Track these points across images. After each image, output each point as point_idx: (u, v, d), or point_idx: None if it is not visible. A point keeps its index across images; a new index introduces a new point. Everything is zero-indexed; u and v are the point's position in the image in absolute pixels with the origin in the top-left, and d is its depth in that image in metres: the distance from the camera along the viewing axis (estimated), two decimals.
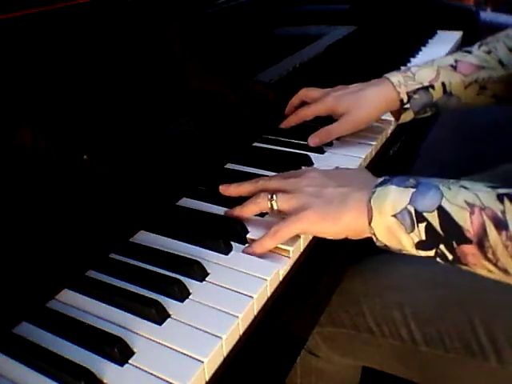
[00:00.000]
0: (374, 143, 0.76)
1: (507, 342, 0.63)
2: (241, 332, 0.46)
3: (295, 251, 0.55)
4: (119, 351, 0.42)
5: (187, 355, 0.42)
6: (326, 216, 0.52)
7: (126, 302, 0.47)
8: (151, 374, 0.41)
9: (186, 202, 0.64)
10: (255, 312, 0.48)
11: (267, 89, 0.83)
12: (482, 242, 0.45)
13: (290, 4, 0.89)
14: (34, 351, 0.43)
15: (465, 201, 0.47)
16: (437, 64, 0.78)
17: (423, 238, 0.48)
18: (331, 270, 0.64)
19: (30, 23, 0.47)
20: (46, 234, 0.49)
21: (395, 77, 0.77)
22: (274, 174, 0.68)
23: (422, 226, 0.48)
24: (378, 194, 0.51)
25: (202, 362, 0.41)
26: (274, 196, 0.55)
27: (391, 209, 0.49)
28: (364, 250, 0.77)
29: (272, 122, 0.83)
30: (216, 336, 0.44)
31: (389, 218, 0.49)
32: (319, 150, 0.75)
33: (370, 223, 0.51)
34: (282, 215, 0.56)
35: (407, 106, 0.76)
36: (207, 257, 0.53)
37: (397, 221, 0.49)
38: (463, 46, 1.31)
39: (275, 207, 0.55)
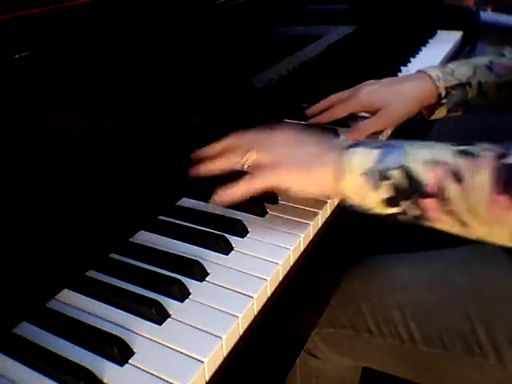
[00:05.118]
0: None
1: (507, 341, 0.63)
2: (241, 332, 0.46)
3: (295, 251, 0.55)
4: (119, 351, 0.42)
5: (187, 355, 0.42)
6: (298, 172, 0.54)
7: (126, 302, 0.47)
8: (151, 374, 0.41)
9: (186, 202, 0.64)
10: (255, 312, 0.48)
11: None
12: (441, 195, 0.47)
13: (290, 4, 0.89)
14: (34, 351, 0.43)
15: (426, 157, 0.49)
16: (473, 63, 0.79)
17: (388, 194, 0.50)
18: (331, 271, 0.64)
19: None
20: (47, 233, 0.49)
21: (433, 71, 0.77)
22: None
23: (387, 183, 0.50)
24: (348, 154, 0.53)
25: (202, 362, 0.41)
26: (249, 152, 0.56)
27: (359, 168, 0.51)
28: (363, 251, 0.77)
29: (270, 122, 0.83)
30: (216, 336, 0.44)
31: (357, 176, 0.51)
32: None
33: (339, 182, 0.52)
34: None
35: (444, 101, 0.76)
36: (207, 257, 0.53)
37: (364, 179, 0.51)
38: (463, 46, 1.32)
39: (249, 161, 0.56)
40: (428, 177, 0.48)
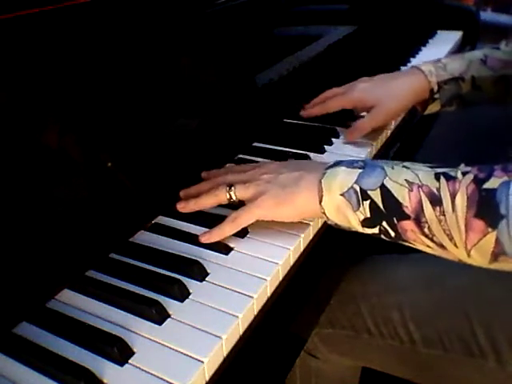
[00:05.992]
0: (374, 143, 0.76)
1: (506, 342, 0.63)
2: (241, 332, 0.46)
3: (295, 251, 0.55)
4: (119, 351, 0.42)
5: (187, 355, 0.42)
6: (282, 200, 0.54)
7: (126, 302, 0.47)
8: (151, 374, 0.41)
9: None
10: (255, 312, 0.48)
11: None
12: (419, 218, 0.47)
13: (290, 4, 0.89)
14: (34, 351, 0.43)
15: (405, 179, 0.49)
16: (467, 57, 0.79)
17: (368, 215, 0.50)
18: (331, 271, 0.64)
19: (31, 23, 0.47)
20: (47, 233, 0.49)
21: (426, 66, 0.77)
22: None
23: (367, 203, 0.50)
24: (328, 174, 0.53)
25: (202, 361, 0.41)
26: (233, 187, 0.56)
27: (339, 188, 0.51)
28: (363, 251, 0.77)
29: (270, 122, 0.83)
30: (216, 336, 0.44)
31: (337, 196, 0.52)
32: (320, 147, 0.75)
33: (320, 202, 0.53)
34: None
35: (437, 96, 0.77)
36: (207, 257, 0.53)
37: (344, 199, 0.51)
38: (463, 46, 1.32)
39: (233, 197, 0.56)
40: (406, 198, 0.48)
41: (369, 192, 0.50)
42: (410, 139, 0.89)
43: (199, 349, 0.42)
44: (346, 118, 0.80)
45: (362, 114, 0.80)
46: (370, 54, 1.13)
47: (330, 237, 0.62)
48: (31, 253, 0.47)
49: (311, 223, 0.58)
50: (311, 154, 0.73)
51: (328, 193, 0.52)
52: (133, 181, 0.58)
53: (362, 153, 0.73)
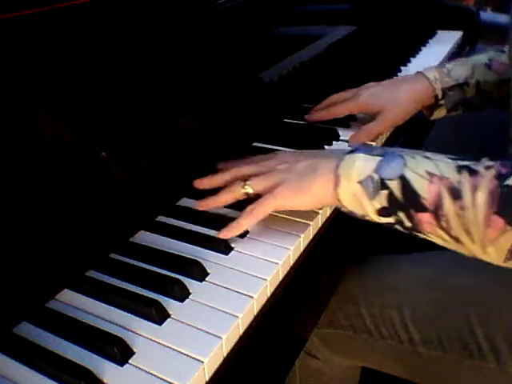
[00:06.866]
0: (374, 144, 0.76)
1: (505, 343, 0.63)
2: (241, 332, 0.46)
3: (295, 251, 0.55)
4: (119, 351, 0.42)
5: (187, 355, 0.42)
6: (299, 189, 0.54)
7: (126, 302, 0.47)
8: (151, 373, 0.41)
9: (186, 202, 0.64)
10: (255, 312, 0.48)
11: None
12: (437, 211, 0.47)
13: (290, 4, 0.89)
14: (34, 351, 0.43)
15: (425, 170, 0.48)
16: (471, 62, 0.79)
17: (384, 204, 0.50)
18: (331, 271, 0.64)
19: (31, 23, 0.47)
20: (47, 233, 0.49)
21: (431, 73, 0.78)
22: None
23: (384, 193, 0.49)
24: (346, 161, 0.52)
25: (202, 362, 0.41)
26: (248, 181, 0.56)
27: (357, 175, 0.51)
28: (363, 251, 0.77)
29: (270, 122, 0.83)
30: (216, 336, 0.44)
31: (354, 184, 0.51)
32: (320, 147, 0.75)
33: (336, 189, 0.52)
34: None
35: (442, 102, 0.77)
36: (207, 257, 0.53)
37: (361, 187, 0.50)
38: (463, 45, 1.32)
39: (250, 191, 0.56)
40: (426, 191, 0.47)
41: (387, 182, 0.49)
42: (410, 139, 0.88)
43: (199, 349, 0.42)
44: (347, 118, 0.80)
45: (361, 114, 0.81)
46: (370, 54, 1.13)
47: (330, 237, 0.62)
48: (31, 253, 0.47)
49: (311, 223, 0.58)
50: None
51: (345, 180, 0.51)
52: (133, 179, 0.58)
53: None
